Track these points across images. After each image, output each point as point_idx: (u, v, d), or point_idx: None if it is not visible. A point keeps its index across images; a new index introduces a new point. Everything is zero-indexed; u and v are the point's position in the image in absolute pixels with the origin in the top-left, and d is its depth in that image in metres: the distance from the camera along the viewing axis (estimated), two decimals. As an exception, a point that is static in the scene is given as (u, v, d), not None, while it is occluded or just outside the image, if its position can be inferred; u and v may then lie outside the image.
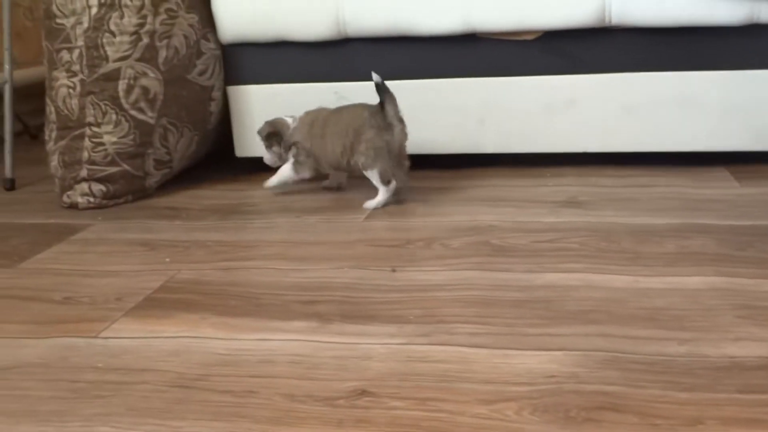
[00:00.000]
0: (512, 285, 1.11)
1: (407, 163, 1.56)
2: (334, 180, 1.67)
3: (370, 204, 1.51)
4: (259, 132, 1.63)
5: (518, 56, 1.62)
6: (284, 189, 1.65)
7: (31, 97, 2.62)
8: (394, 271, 1.19)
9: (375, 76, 1.47)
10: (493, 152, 1.71)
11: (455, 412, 0.80)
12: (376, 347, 0.95)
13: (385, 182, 1.51)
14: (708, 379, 0.83)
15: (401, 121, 1.50)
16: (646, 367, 0.87)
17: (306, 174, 1.62)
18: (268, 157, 1.65)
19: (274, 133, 1.60)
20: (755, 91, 1.56)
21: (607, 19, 1.54)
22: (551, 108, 1.64)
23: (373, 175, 1.51)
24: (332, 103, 1.69)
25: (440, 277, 1.15)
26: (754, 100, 1.56)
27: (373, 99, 1.70)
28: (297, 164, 1.60)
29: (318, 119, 1.58)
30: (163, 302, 1.13)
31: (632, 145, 1.63)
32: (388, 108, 1.48)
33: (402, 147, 1.52)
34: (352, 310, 1.06)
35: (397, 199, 1.54)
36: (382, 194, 1.51)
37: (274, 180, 1.63)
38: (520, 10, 1.57)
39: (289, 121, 1.61)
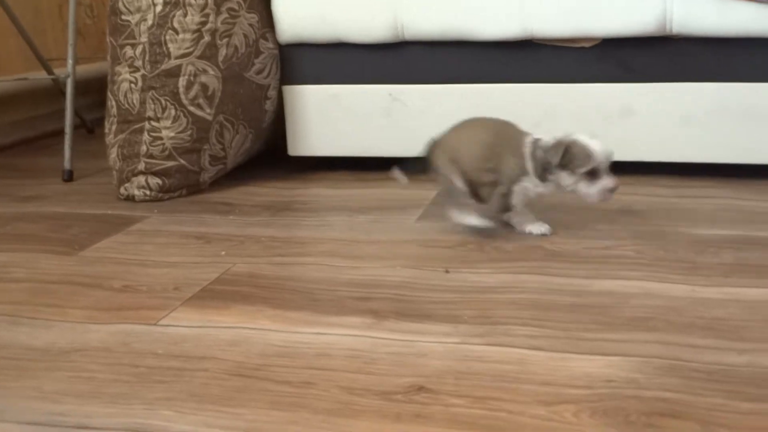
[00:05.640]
0: (568, 290, 1.11)
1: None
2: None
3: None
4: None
5: (575, 63, 1.61)
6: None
7: (89, 92, 2.68)
8: (447, 271, 1.19)
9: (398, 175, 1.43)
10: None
11: (514, 411, 0.80)
12: (432, 345, 0.95)
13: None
14: (771, 390, 0.82)
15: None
16: (706, 375, 0.86)
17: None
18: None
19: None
20: (818, 104, 1.53)
21: (668, 28, 1.52)
22: (607, 116, 1.63)
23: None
24: (386, 105, 1.70)
25: (494, 280, 1.16)
26: (816, 113, 1.54)
27: (427, 101, 1.72)
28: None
29: None
30: (220, 293, 1.15)
31: (690, 155, 1.61)
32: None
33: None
34: (407, 308, 1.07)
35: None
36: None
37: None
38: (579, 16, 1.56)
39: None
